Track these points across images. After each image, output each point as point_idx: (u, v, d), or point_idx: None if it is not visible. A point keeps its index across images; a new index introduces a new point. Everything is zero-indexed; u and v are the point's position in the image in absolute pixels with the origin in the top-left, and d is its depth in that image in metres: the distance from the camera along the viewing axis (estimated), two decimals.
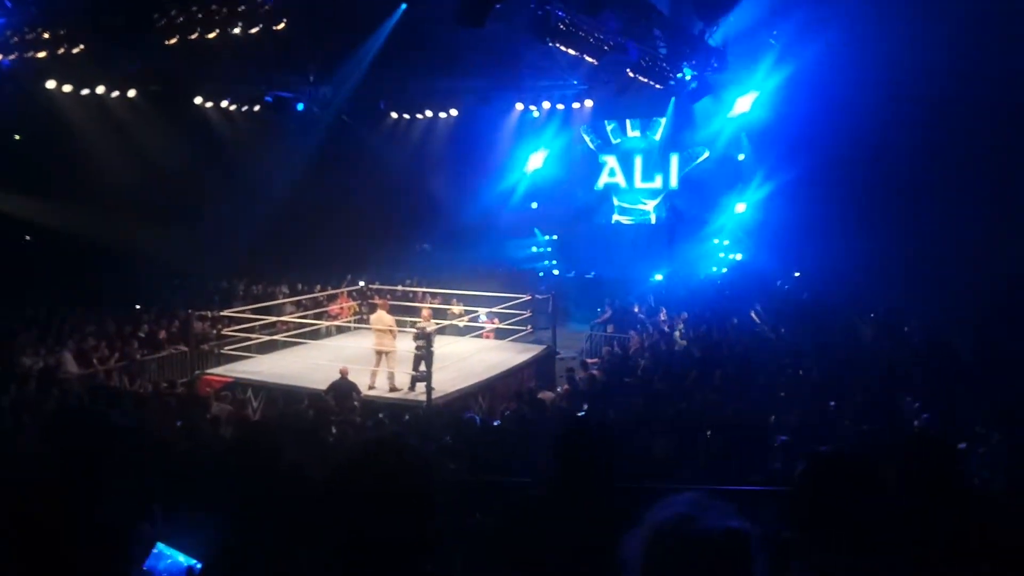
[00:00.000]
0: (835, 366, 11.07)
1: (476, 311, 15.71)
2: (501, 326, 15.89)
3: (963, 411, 8.67)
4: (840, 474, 2.17)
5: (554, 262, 21.91)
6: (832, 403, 9.29)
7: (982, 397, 9.03)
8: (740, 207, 19.49)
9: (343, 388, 11.65)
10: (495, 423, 10.20)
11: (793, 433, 8.30)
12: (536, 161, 21.67)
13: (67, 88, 15.68)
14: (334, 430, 9.74)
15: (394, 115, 21.89)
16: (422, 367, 12.31)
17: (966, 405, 8.86)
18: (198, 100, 18.59)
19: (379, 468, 1.66)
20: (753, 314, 14.46)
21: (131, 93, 16.92)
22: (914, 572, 2.23)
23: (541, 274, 21.24)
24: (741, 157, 19.58)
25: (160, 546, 2.16)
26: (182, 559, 2.15)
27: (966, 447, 7.35)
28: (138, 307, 16.23)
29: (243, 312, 15.25)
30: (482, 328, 15.76)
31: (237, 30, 12.75)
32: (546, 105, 21.03)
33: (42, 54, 12.39)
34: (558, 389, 12.67)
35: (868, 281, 15.03)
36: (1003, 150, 14.40)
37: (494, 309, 15.92)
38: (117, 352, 13.83)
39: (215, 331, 15.11)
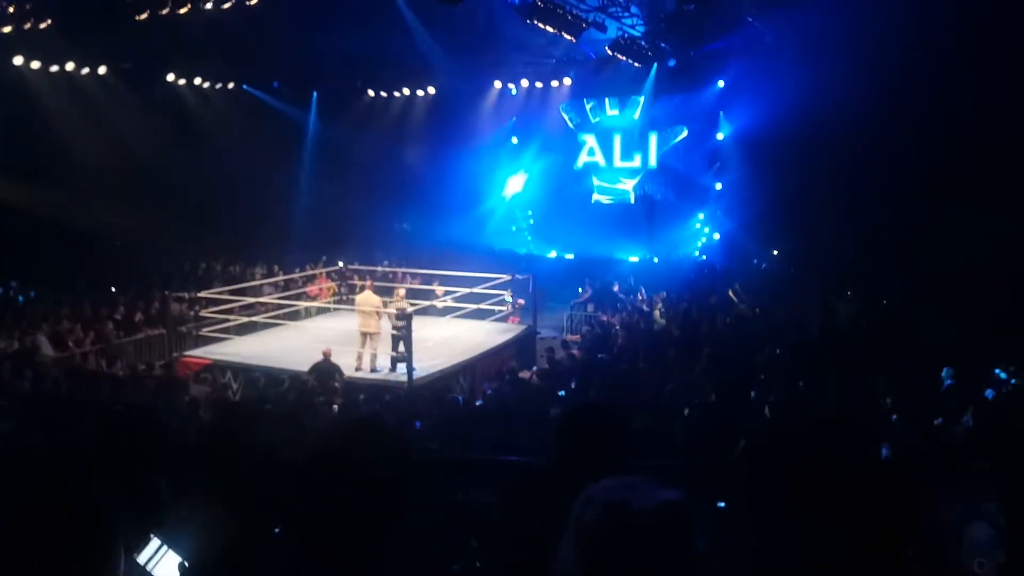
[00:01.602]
0: (811, 343, 11.22)
1: (457, 291, 15.67)
2: (481, 307, 15.89)
3: (931, 389, 8.86)
4: (773, 450, 2.23)
5: (530, 238, 21.89)
6: (801, 383, 9.42)
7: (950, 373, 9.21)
8: (718, 186, 19.58)
9: (326, 370, 11.62)
10: (477, 403, 10.24)
11: (771, 411, 8.43)
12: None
13: (35, 65, 15.34)
14: (315, 411, 9.73)
15: (371, 93, 21.67)
16: (402, 348, 12.32)
17: (934, 383, 9.05)
18: (170, 77, 18.27)
19: (354, 447, 1.65)
20: (731, 293, 14.60)
21: (101, 70, 16.59)
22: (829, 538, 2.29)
23: (522, 251, 21.25)
24: (720, 136, 19.64)
25: (154, 538, 2.15)
26: (173, 555, 2.14)
27: (942, 422, 7.54)
28: (113, 289, 16.02)
29: (221, 293, 15.12)
30: (466, 308, 15.68)
31: (209, 5, 12.53)
32: (524, 83, 20.93)
33: (7, 28, 12.11)
34: (533, 368, 12.74)
35: (844, 259, 15.21)
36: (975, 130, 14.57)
37: (477, 289, 15.89)
38: (93, 334, 13.67)
39: (193, 312, 14.98)
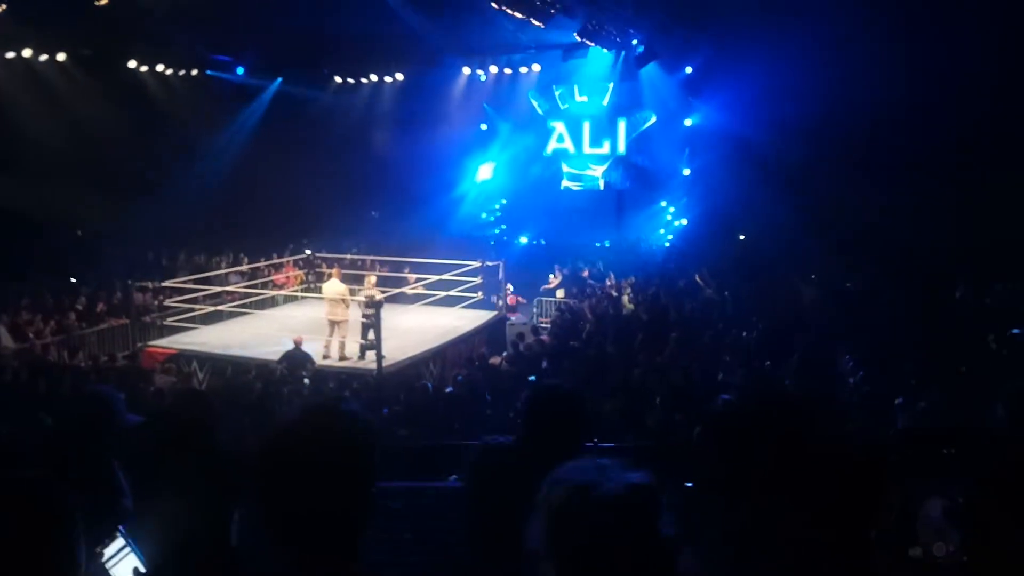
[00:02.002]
0: (777, 326, 11.35)
1: (428, 278, 15.62)
2: (452, 293, 15.85)
3: (900, 367, 9.01)
4: (732, 429, 2.25)
5: (504, 227, 21.89)
6: (768, 363, 9.55)
7: (918, 353, 9.39)
8: (686, 171, 19.71)
9: (297, 358, 11.52)
10: (447, 389, 10.23)
11: (737, 392, 8.53)
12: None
13: None
14: (281, 400, 9.66)
15: (338, 79, 21.44)
16: (371, 335, 12.25)
17: (903, 361, 9.21)
18: (132, 64, 17.92)
19: (317, 433, 1.62)
20: (698, 277, 14.71)
21: (60, 56, 16.22)
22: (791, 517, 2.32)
23: (492, 242, 21.22)
24: (688, 122, 19.74)
25: (121, 532, 2.11)
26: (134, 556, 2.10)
27: (903, 401, 7.68)
28: (73, 280, 15.72)
29: (186, 282, 14.91)
30: (436, 295, 15.60)
31: None
32: (493, 69, 20.85)
33: None
34: (504, 354, 12.76)
35: (808, 242, 15.40)
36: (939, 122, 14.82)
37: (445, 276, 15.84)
38: (54, 324, 13.42)
39: (157, 302, 14.75)
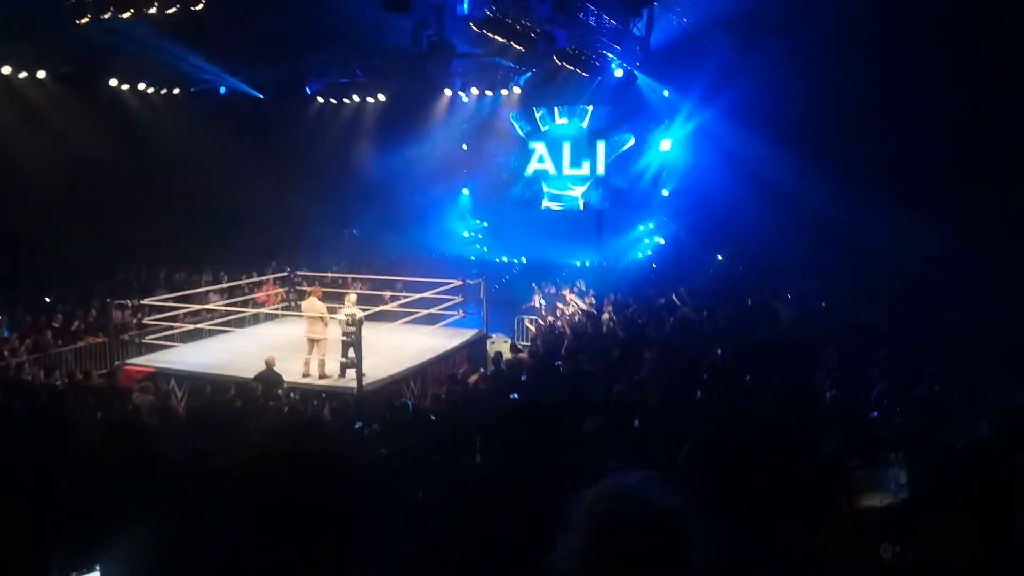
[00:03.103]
0: (754, 345, 11.49)
1: (409, 296, 15.64)
2: (435, 310, 15.87)
3: (874, 385, 9.15)
4: (717, 452, 2.33)
5: (485, 248, 21.99)
6: (748, 377, 9.66)
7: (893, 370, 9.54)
8: (664, 192, 19.96)
9: (269, 379, 11.48)
10: (428, 407, 10.24)
11: (717, 411, 8.63)
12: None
13: None
14: (260, 418, 9.62)
15: (320, 100, 21.53)
16: (351, 353, 12.24)
17: (878, 379, 9.35)
18: (113, 83, 17.90)
19: (292, 450, 1.63)
20: (675, 296, 14.86)
21: (40, 74, 16.18)
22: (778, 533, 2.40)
23: (473, 257, 21.32)
24: (666, 144, 20.00)
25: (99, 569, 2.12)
26: None
27: (878, 416, 7.82)
28: (48, 299, 15.58)
29: (165, 300, 14.84)
30: (417, 313, 15.60)
31: (153, 10, 12.32)
32: (475, 91, 21.04)
33: None
34: (480, 370, 12.80)
35: (784, 262, 15.63)
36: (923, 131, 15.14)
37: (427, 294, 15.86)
38: (30, 343, 13.28)
39: (135, 320, 14.65)
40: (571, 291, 16.74)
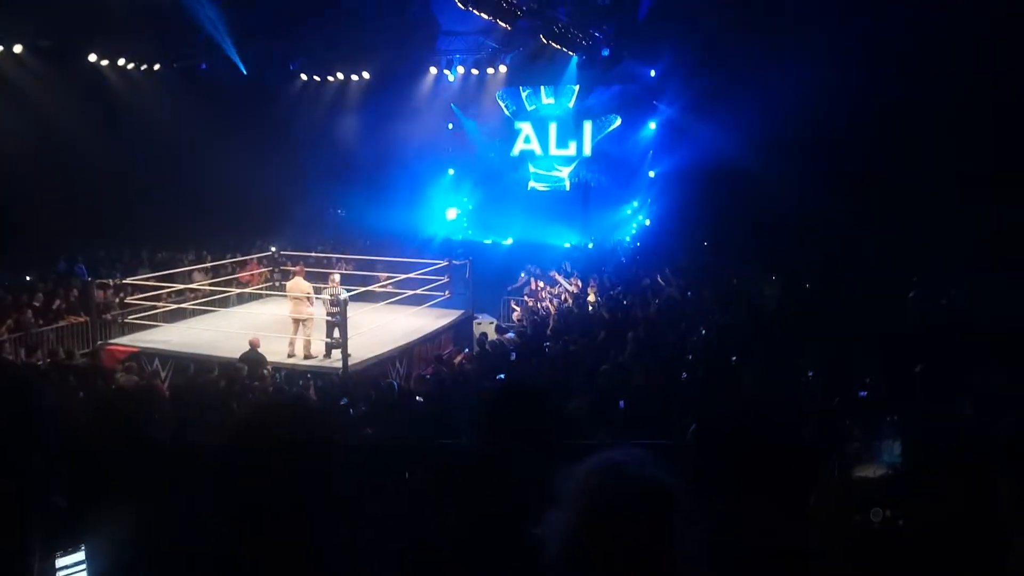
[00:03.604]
0: (739, 326, 11.55)
1: (394, 277, 15.58)
2: (420, 291, 15.84)
3: (855, 366, 9.24)
4: (722, 432, 2.35)
5: (470, 230, 21.94)
6: (734, 358, 9.72)
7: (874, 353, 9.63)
8: (651, 174, 19.94)
9: (253, 359, 11.43)
10: (413, 387, 10.24)
11: (702, 388, 8.69)
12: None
13: None
14: (244, 398, 9.59)
15: (304, 76, 21.28)
16: (336, 334, 12.21)
17: (859, 361, 9.44)
18: (92, 58, 17.59)
19: (274, 429, 1.59)
20: (660, 278, 14.90)
21: (17, 48, 15.87)
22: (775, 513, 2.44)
23: (460, 237, 21.28)
24: (652, 126, 19.98)
25: (84, 550, 2.11)
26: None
27: (866, 395, 7.90)
28: (28, 278, 15.40)
29: (148, 280, 14.69)
30: (403, 294, 15.56)
31: None
32: (460, 70, 20.87)
33: None
34: (466, 350, 12.81)
35: (771, 243, 15.70)
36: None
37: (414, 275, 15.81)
38: (11, 322, 13.14)
39: (118, 299, 14.51)
40: (558, 274, 16.74)
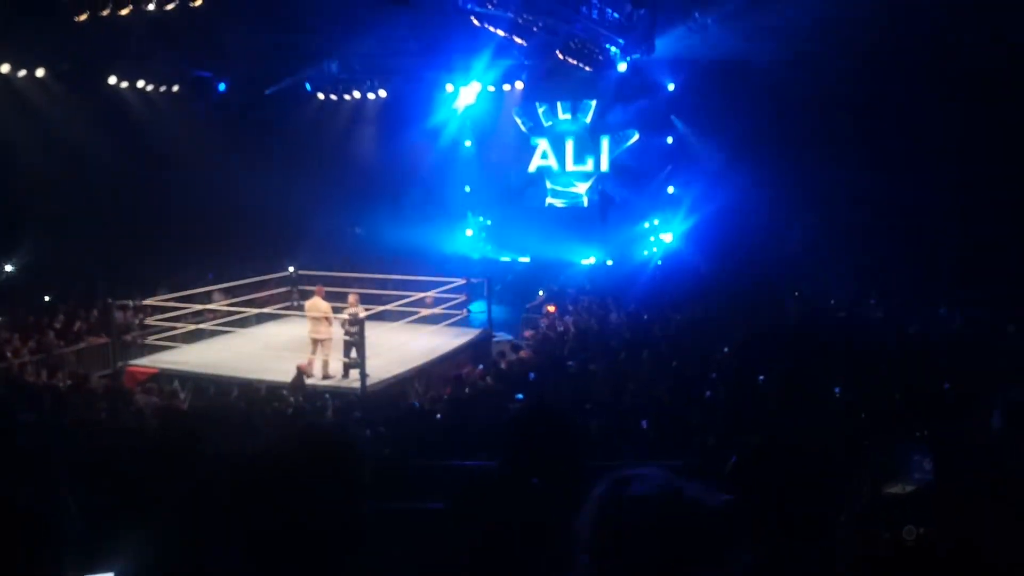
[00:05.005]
0: (762, 344, 11.39)
1: (411, 296, 15.55)
2: (438, 310, 15.78)
3: (882, 386, 9.06)
4: (768, 464, 2.28)
5: (488, 246, 21.88)
6: (761, 377, 9.57)
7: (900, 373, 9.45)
8: (670, 189, 19.81)
9: (301, 386, 11.41)
10: (432, 407, 10.15)
11: (725, 409, 8.54)
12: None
13: None
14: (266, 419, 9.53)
15: (320, 96, 21.40)
16: (354, 353, 12.16)
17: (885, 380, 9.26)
18: (112, 80, 17.78)
19: (304, 455, 1.62)
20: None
21: (39, 72, 16.07)
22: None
23: (478, 256, 21.22)
24: (670, 140, 19.88)
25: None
26: None
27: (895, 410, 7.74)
28: (47, 299, 15.52)
29: (167, 300, 14.75)
30: (421, 313, 15.47)
31: (152, 6, 12.23)
32: (476, 86, 20.88)
33: None
34: (481, 367, 12.70)
35: (794, 261, 15.53)
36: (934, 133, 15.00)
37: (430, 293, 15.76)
38: (32, 343, 13.20)
39: (137, 320, 14.56)
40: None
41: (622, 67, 17.93)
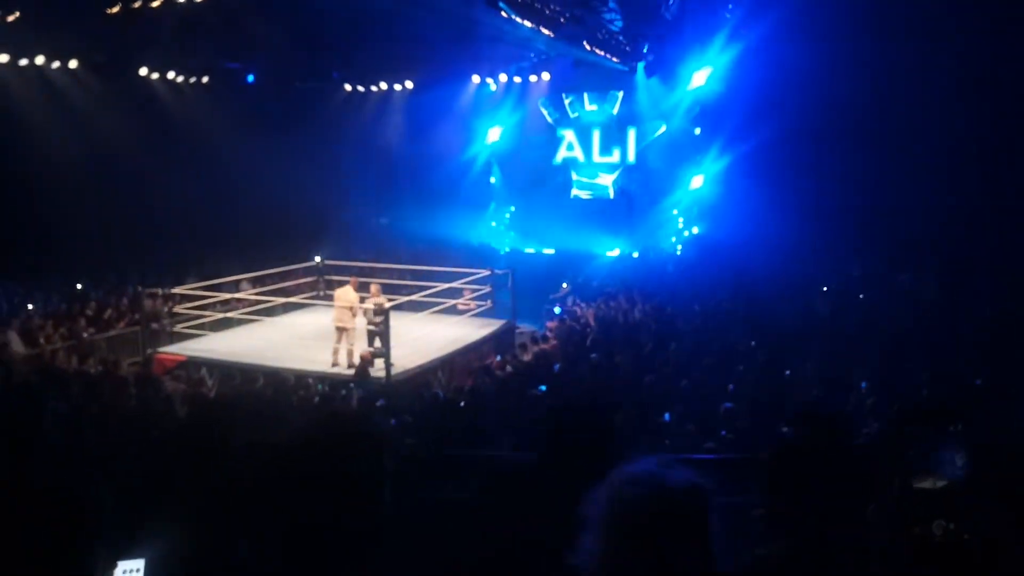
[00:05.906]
0: (790, 339, 11.27)
1: (436, 286, 15.60)
2: (461, 300, 15.79)
3: (908, 380, 8.94)
4: (804, 453, 2.28)
5: (513, 235, 21.86)
6: (788, 372, 9.49)
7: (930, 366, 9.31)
8: (697, 181, 19.60)
9: (365, 375, 11.58)
10: (456, 397, 10.19)
11: (750, 402, 8.48)
12: (493, 135, 21.54)
13: (3, 58, 15.08)
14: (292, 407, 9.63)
15: (348, 87, 21.49)
16: (379, 343, 12.24)
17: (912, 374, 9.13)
18: (143, 71, 18.00)
19: (329, 443, 1.62)
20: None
21: (72, 64, 16.31)
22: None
23: (507, 249, 21.21)
24: (697, 131, 19.69)
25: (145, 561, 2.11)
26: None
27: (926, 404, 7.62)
28: (79, 287, 15.78)
29: (195, 289, 14.94)
30: (442, 303, 15.53)
31: None
32: (503, 78, 20.85)
33: None
34: (505, 357, 12.72)
35: (821, 254, 15.33)
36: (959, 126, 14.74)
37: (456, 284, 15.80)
38: (64, 330, 13.44)
39: (166, 308, 14.77)
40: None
41: (649, 58, 17.79)
